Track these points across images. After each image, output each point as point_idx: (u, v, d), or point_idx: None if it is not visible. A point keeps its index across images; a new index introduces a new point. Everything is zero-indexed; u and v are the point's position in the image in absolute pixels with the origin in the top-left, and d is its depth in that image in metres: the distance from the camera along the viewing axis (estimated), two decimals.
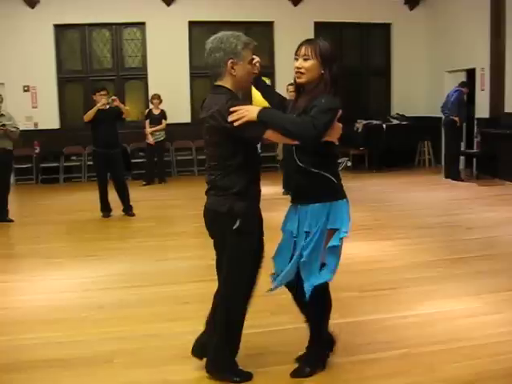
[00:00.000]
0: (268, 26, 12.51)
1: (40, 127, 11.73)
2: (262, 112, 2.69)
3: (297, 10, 12.40)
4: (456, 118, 10.02)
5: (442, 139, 11.43)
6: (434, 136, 12.13)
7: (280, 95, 3.22)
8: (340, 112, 2.80)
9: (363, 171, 11.81)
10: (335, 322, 3.80)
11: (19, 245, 6.75)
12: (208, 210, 2.94)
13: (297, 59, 2.88)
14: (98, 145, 7.67)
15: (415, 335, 3.59)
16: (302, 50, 2.85)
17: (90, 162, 11.10)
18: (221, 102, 2.74)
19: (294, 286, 3.01)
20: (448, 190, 9.38)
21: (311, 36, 12.26)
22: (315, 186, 2.89)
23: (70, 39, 12.06)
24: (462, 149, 11.13)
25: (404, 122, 12.34)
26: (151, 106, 11.07)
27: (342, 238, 2.97)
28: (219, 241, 2.97)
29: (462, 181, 10.12)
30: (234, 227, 2.81)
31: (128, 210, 7.87)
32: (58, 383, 3.12)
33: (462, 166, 11.19)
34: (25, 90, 11.66)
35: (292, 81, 7.19)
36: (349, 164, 12.40)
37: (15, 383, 3.14)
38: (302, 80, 2.88)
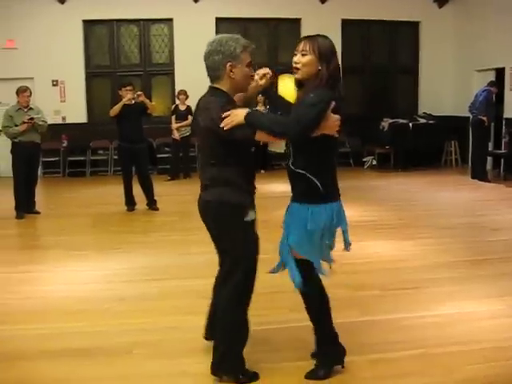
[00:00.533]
0: (295, 22, 12.49)
1: (68, 121, 11.94)
2: (249, 115, 2.73)
3: (324, 7, 12.36)
4: (484, 118, 9.87)
5: (469, 139, 11.27)
6: (462, 136, 11.97)
7: (287, 102, 3.18)
8: (333, 104, 2.75)
9: (388, 170, 11.73)
10: (354, 320, 3.83)
11: (45, 236, 6.88)
12: (212, 202, 2.94)
13: (295, 54, 2.87)
14: (123, 139, 7.78)
15: (434, 335, 3.56)
16: (301, 45, 2.85)
17: (116, 156, 11.25)
18: (215, 107, 2.79)
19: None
20: (474, 191, 9.26)
21: (338, 33, 12.25)
22: (300, 187, 2.92)
23: (99, 35, 12.21)
24: (490, 149, 10.99)
25: (431, 122, 12.21)
26: (177, 102, 11.14)
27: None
28: (223, 232, 2.97)
29: (489, 181, 9.98)
30: (247, 219, 2.90)
31: (152, 204, 7.95)
32: (78, 372, 3.18)
33: (489, 166, 11.05)
34: (53, 85, 11.87)
35: None
36: (374, 163, 12.34)
37: (36, 371, 3.21)
38: (299, 75, 2.88)
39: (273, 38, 12.44)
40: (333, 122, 2.78)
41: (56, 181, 11.42)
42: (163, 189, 9.15)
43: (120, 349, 3.44)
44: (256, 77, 3.05)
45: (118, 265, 5.30)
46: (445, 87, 12.81)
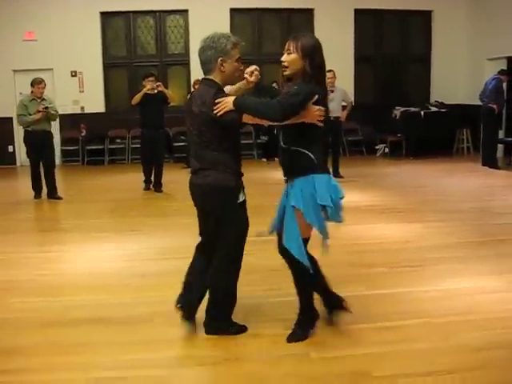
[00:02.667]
0: (308, 13, 12.65)
1: (86, 111, 12.21)
2: (236, 100, 3.07)
3: None
4: (494, 106, 10.00)
5: (481, 127, 11.37)
6: (474, 124, 12.05)
7: (278, 92, 3.50)
8: (316, 96, 3.07)
9: (400, 158, 11.88)
10: (361, 293, 4.06)
11: (67, 220, 7.16)
12: (209, 185, 3.23)
13: (283, 54, 3.20)
14: (145, 126, 8.34)
15: (436, 307, 3.79)
16: (287, 45, 3.19)
17: (134, 145, 11.57)
18: (209, 95, 3.13)
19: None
20: (483, 178, 9.41)
21: (351, 23, 12.44)
22: (296, 162, 3.20)
23: (116, 26, 12.49)
24: (501, 137, 11.09)
25: (443, 110, 12.32)
26: (193, 91, 11.35)
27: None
28: (218, 214, 3.28)
29: (499, 169, 10.10)
30: (239, 201, 3.25)
31: (158, 186, 8.55)
32: (102, 338, 3.46)
33: (500, 153, 11.15)
34: (72, 75, 12.16)
35: (331, 68, 7.77)
36: (386, 151, 12.49)
37: (64, 337, 3.48)
38: (287, 72, 3.20)
39: (286, 29, 12.58)
40: (313, 112, 3.08)
41: (75, 169, 11.72)
42: (179, 176, 9.35)
43: (142, 317, 3.72)
44: (246, 75, 3.35)
45: (137, 245, 5.58)
46: (457, 76, 12.89)
